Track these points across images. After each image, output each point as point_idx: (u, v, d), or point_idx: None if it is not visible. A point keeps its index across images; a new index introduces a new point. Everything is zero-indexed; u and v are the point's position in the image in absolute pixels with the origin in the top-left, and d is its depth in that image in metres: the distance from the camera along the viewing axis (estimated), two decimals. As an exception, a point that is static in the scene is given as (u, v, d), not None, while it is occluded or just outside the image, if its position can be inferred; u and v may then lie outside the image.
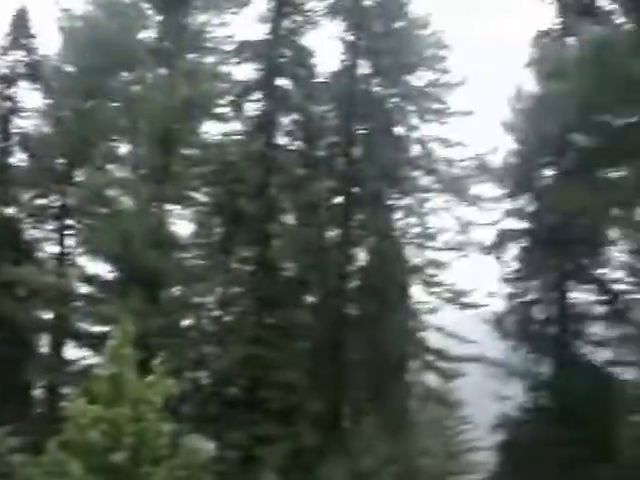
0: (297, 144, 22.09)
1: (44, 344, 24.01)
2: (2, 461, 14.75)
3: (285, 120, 22.08)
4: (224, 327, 21.83)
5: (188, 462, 11.92)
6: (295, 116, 21.79)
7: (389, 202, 22.77)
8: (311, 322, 21.00)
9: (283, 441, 19.19)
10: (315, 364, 20.70)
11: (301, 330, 20.91)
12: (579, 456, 20.64)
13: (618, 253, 23.87)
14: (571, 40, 20.57)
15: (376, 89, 22.92)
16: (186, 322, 22.02)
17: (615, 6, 18.44)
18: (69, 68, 23.88)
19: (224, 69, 23.12)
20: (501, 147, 23.05)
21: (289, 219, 21.91)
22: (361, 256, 22.77)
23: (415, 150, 23.15)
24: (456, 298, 23.01)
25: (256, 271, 21.21)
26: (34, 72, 24.99)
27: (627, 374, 23.94)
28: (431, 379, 23.68)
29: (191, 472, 11.93)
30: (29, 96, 25.38)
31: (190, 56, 22.77)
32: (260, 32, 22.36)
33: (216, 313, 22.56)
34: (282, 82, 22.20)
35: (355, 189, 22.63)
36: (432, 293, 23.13)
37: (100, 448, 11.16)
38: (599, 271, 23.68)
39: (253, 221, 20.67)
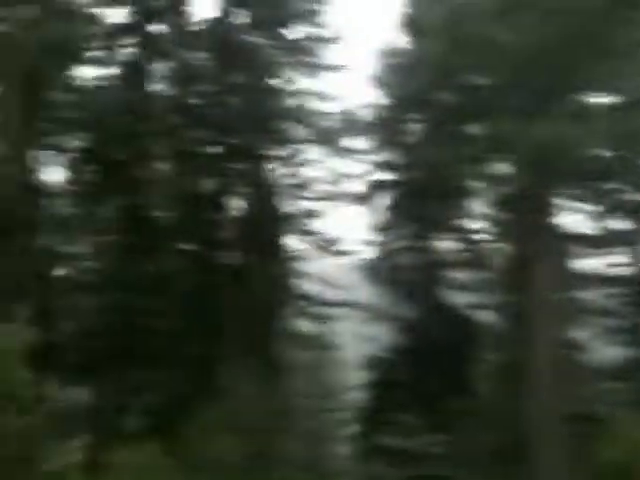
0: (170, 92, 21.83)
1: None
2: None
3: (158, 67, 21.71)
4: (95, 276, 21.71)
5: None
6: (168, 63, 21.48)
7: (263, 153, 23.14)
8: (186, 270, 21.20)
9: (156, 388, 19.62)
10: (191, 311, 21.03)
11: (175, 278, 21.08)
12: (437, 391, 22.48)
13: (479, 205, 25.64)
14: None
15: (251, 40, 23.02)
16: (57, 271, 21.68)
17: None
18: None
19: (96, 11, 22.28)
20: (372, 101, 23.75)
21: (162, 167, 21.78)
22: (236, 205, 23.14)
23: (289, 103, 23.53)
24: (328, 246, 23.94)
25: (128, 219, 21.07)
26: None
27: (483, 316, 26.07)
28: (305, 324, 24.63)
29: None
30: None
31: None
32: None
33: (88, 262, 22.34)
34: (155, 27, 21.78)
35: (230, 139, 22.78)
36: (305, 241, 23.94)
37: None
38: (461, 221, 25.30)
39: (124, 169, 20.45)
